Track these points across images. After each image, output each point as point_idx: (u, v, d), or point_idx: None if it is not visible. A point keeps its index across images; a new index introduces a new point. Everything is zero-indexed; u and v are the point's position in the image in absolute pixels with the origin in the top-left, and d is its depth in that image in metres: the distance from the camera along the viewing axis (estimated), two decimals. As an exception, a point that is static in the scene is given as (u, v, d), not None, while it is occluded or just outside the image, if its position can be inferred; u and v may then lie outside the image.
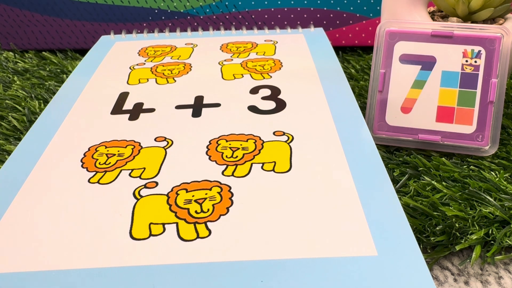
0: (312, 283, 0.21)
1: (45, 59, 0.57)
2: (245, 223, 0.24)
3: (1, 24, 0.57)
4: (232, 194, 0.26)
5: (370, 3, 0.55)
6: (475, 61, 0.35)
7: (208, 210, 0.25)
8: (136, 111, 0.35)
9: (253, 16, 0.56)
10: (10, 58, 0.57)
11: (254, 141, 0.31)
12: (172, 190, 0.27)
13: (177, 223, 0.24)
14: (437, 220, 0.30)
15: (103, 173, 0.28)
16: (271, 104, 0.35)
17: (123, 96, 0.37)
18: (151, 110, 0.35)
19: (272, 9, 0.55)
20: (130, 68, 0.42)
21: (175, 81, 0.39)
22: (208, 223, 0.24)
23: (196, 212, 0.25)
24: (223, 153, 0.30)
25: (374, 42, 0.37)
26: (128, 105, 0.36)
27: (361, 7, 0.55)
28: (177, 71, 0.41)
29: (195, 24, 0.56)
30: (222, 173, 0.28)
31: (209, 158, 0.29)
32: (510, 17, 0.39)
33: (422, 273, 0.21)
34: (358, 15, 0.55)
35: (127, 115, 0.34)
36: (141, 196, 0.26)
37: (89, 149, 0.31)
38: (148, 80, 0.40)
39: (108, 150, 0.30)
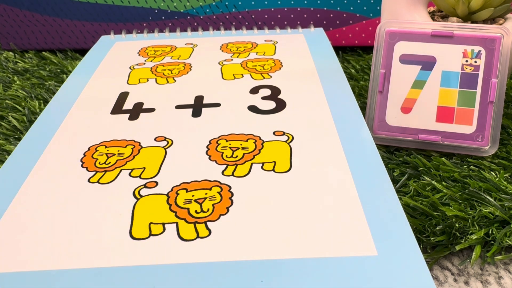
0: (312, 283, 0.21)
1: (45, 59, 0.57)
2: (245, 223, 0.24)
3: (1, 24, 0.57)
4: (232, 194, 0.26)
5: (370, 3, 0.55)
6: (475, 61, 0.35)
7: (208, 210, 0.25)
8: (136, 111, 0.35)
9: (253, 16, 0.56)
10: (10, 58, 0.57)
11: (254, 141, 0.31)
12: (172, 189, 0.27)
13: (177, 223, 0.24)
14: (437, 220, 0.30)
15: (103, 172, 0.28)
16: (271, 104, 0.35)
17: (123, 96, 0.37)
18: (151, 110, 0.35)
19: (272, 9, 0.55)
20: (130, 68, 0.42)
21: (175, 81, 0.39)
22: (208, 223, 0.24)
23: (196, 212, 0.25)
24: (223, 153, 0.30)
25: (374, 42, 0.37)
26: (128, 105, 0.36)
27: (361, 7, 0.55)
28: (177, 71, 0.41)
29: (195, 24, 0.56)
30: (222, 173, 0.28)
31: (209, 158, 0.29)
32: (510, 17, 0.39)
33: (422, 273, 0.21)
34: (358, 15, 0.55)
35: (127, 115, 0.34)
36: (141, 196, 0.26)
37: (89, 149, 0.31)
38: (148, 80, 0.40)
39: (108, 150, 0.30)
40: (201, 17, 0.56)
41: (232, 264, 0.22)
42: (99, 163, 0.29)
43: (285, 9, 0.55)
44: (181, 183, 0.27)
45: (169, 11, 0.56)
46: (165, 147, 0.30)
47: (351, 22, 0.56)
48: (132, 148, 0.30)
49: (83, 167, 0.29)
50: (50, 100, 0.46)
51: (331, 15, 0.55)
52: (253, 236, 0.23)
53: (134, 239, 0.23)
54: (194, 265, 0.22)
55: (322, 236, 0.23)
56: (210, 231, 0.24)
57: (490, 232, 0.30)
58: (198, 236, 0.23)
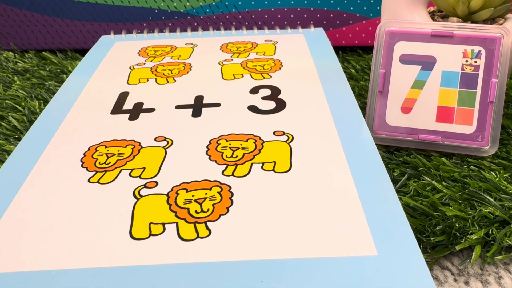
0: (312, 283, 0.21)
1: (45, 59, 0.57)
2: (245, 223, 0.24)
3: (1, 24, 0.57)
4: (232, 194, 0.26)
5: (370, 3, 0.55)
6: (475, 61, 0.35)
7: (208, 210, 0.25)
8: (136, 111, 0.35)
9: (253, 16, 0.56)
10: (10, 58, 0.57)
11: (254, 141, 0.31)
12: (172, 189, 0.27)
13: (177, 223, 0.24)
14: (437, 220, 0.30)
15: (103, 172, 0.28)
16: (271, 104, 0.35)
17: (123, 96, 0.37)
18: (151, 110, 0.35)
19: (272, 9, 0.55)
20: (130, 68, 0.42)
21: (175, 81, 0.39)
22: (208, 223, 0.24)
23: (196, 212, 0.25)
24: (223, 153, 0.30)
25: (374, 42, 0.37)
26: (128, 105, 0.36)
27: (361, 7, 0.55)
28: (177, 71, 0.41)
29: (195, 24, 0.56)
30: (222, 173, 0.28)
31: (209, 158, 0.29)
32: (510, 17, 0.39)
33: (422, 273, 0.21)
34: (358, 15, 0.55)
35: (127, 115, 0.34)
36: (141, 196, 0.26)
37: (89, 149, 0.31)
38: (148, 80, 0.40)
39: (108, 150, 0.30)
40: (201, 17, 0.56)
41: (232, 264, 0.22)
42: (99, 163, 0.29)
43: (285, 9, 0.55)
44: (181, 183, 0.27)
45: (169, 11, 0.56)
46: (165, 147, 0.30)
47: (351, 22, 0.56)
48: (132, 148, 0.30)
49: (83, 167, 0.29)
50: (50, 100, 0.46)
51: (331, 15, 0.55)
52: (253, 236, 0.23)
53: (134, 239, 0.23)
54: (194, 265, 0.22)
55: (322, 236, 0.23)
56: (210, 231, 0.24)
57: (490, 232, 0.30)
58: (198, 236, 0.23)
